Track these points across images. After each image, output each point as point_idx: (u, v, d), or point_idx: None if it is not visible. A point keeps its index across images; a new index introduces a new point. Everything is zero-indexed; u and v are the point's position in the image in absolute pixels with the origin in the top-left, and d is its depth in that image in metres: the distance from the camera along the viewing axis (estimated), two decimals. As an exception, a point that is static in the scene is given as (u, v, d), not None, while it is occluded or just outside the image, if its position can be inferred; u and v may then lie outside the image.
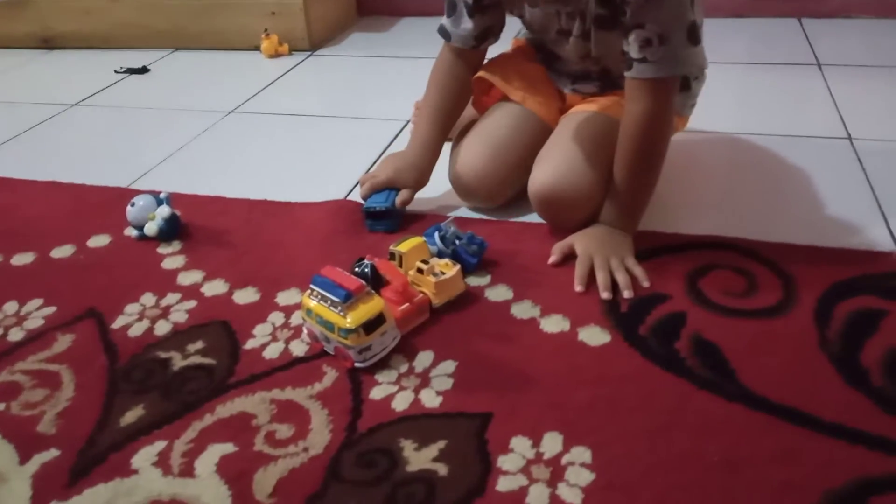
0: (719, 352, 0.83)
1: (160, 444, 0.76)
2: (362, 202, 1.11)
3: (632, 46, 0.92)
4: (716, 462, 0.70)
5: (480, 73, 1.15)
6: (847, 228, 1.04)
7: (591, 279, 0.95)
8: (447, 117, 1.15)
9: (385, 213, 1.08)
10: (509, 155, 1.10)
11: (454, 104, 1.15)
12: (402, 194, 1.10)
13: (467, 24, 1.07)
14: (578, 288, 0.94)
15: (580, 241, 0.99)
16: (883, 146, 1.26)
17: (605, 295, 0.92)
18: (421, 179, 1.13)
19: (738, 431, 0.73)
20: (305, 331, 0.89)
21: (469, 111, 1.20)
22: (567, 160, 1.01)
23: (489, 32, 1.09)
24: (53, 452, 0.76)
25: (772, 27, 1.91)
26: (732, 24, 1.93)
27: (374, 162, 1.33)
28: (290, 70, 1.86)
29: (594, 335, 0.87)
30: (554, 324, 0.89)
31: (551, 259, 0.99)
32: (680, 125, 1.17)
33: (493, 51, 1.16)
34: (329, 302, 0.83)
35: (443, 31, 1.11)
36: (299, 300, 0.93)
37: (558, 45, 1.10)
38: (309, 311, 0.85)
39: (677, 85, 0.99)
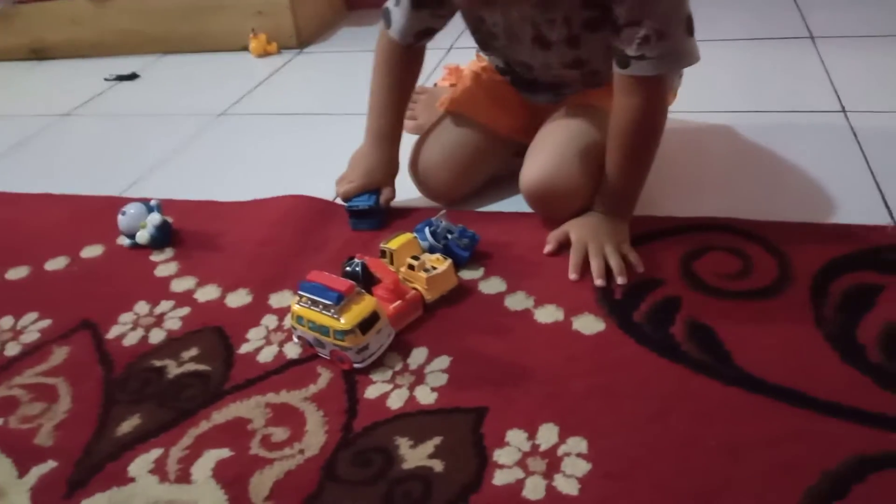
0: (715, 335, 0.82)
1: (156, 452, 0.76)
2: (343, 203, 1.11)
3: (627, 44, 0.88)
4: (713, 447, 0.69)
5: (450, 108, 1.15)
6: (842, 203, 1.03)
7: (586, 267, 0.94)
8: (398, 104, 1.11)
9: (368, 212, 1.07)
10: (456, 160, 1.11)
11: (402, 90, 1.12)
12: (385, 193, 1.09)
13: (410, 18, 1.02)
14: (573, 276, 0.94)
15: (575, 229, 0.99)
16: (878, 118, 1.25)
17: (598, 282, 0.92)
18: (392, 172, 1.12)
19: (735, 415, 0.72)
20: (296, 339, 0.88)
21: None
22: (556, 154, 1.00)
23: (427, 33, 1.06)
24: (51, 464, 0.77)
25: (763, 1, 1.88)
26: (723, 0, 1.91)
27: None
28: (279, 69, 1.85)
29: (588, 324, 0.86)
30: (548, 314, 0.88)
31: (547, 248, 0.99)
32: (670, 98, 1.15)
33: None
34: (321, 306, 0.83)
35: (386, 15, 1.06)
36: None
37: (533, 56, 1.04)
38: (300, 319, 0.85)
39: (672, 77, 0.97)
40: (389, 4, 1.05)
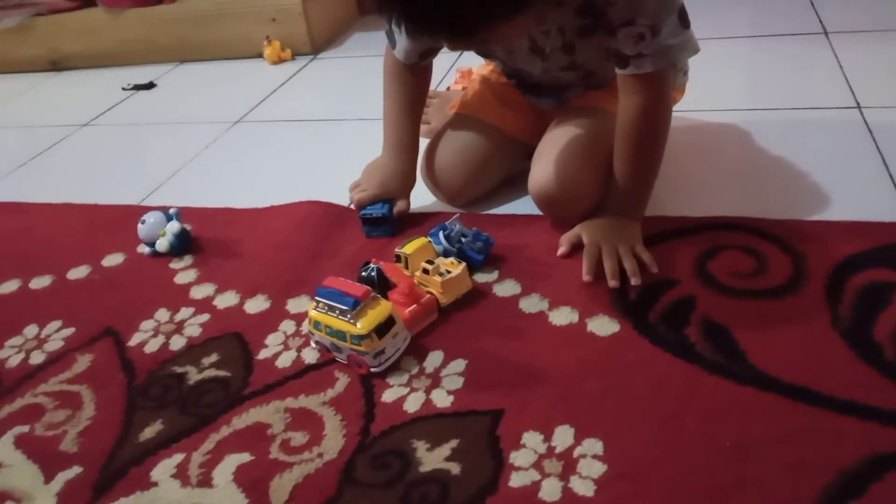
0: (729, 335, 0.82)
1: (178, 457, 0.78)
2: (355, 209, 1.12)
3: (624, 44, 0.89)
4: (727, 446, 0.70)
5: (460, 110, 1.16)
6: (857, 200, 1.02)
7: (599, 268, 0.94)
8: (412, 117, 1.13)
9: (382, 220, 1.08)
10: (468, 162, 1.12)
11: (414, 103, 1.13)
12: (399, 205, 1.10)
13: (412, 40, 1.03)
14: (587, 278, 0.94)
15: (587, 231, 0.99)
16: (894, 114, 1.24)
17: (612, 283, 0.92)
18: (408, 184, 1.13)
19: (749, 414, 0.72)
20: (314, 344, 0.89)
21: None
22: (564, 156, 1.01)
23: (430, 52, 1.08)
24: (76, 470, 0.79)
25: (776, -4, 1.87)
26: (735, -3, 1.90)
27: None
28: (293, 75, 1.87)
29: (603, 325, 0.86)
30: (563, 316, 0.89)
31: (560, 250, 0.99)
32: (677, 96, 1.16)
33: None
34: (337, 311, 0.84)
35: (389, 36, 1.07)
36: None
37: (530, 64, 1.05)
38: (317, 324, 0.86)
39: (673, 72, 0.97)
40: (392, 25, 1.05)
